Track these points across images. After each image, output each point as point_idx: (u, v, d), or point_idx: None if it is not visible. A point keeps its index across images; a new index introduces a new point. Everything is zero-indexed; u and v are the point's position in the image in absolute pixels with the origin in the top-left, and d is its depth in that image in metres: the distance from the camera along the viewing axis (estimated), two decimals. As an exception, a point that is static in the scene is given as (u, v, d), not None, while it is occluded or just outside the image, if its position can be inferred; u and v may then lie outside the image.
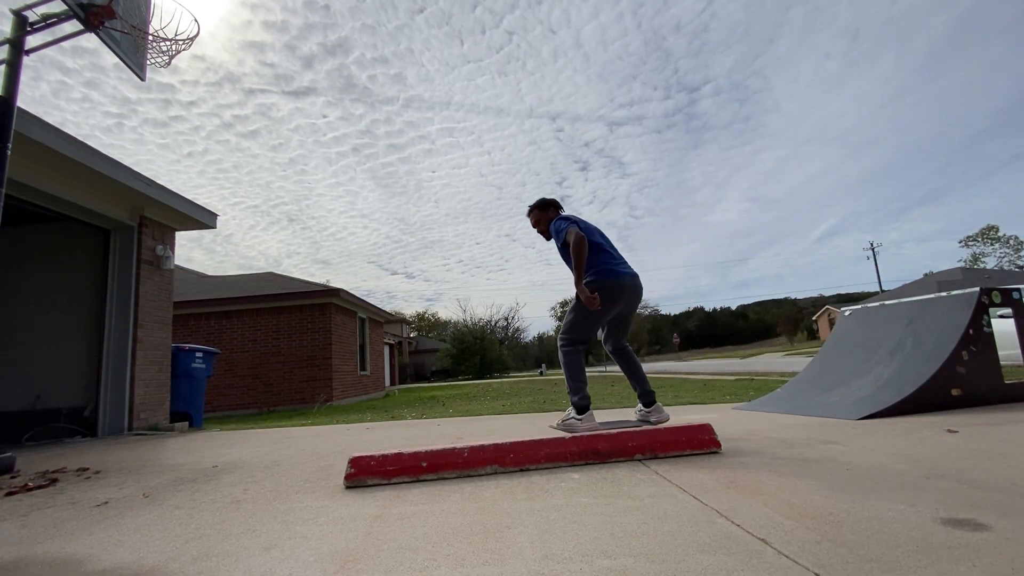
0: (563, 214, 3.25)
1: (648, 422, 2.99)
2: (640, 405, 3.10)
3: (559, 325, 2.81)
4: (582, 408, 2.94)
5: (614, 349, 3.26)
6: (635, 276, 3.07)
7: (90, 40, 3.34)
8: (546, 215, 3.29)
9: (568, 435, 2.54)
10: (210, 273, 18.84)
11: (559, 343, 3.06)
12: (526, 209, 3.39)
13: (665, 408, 3.17)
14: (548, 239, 3.28)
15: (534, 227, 3.33)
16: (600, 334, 3.24)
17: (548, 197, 3.35)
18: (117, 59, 3.53)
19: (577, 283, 2.88)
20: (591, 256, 2.97)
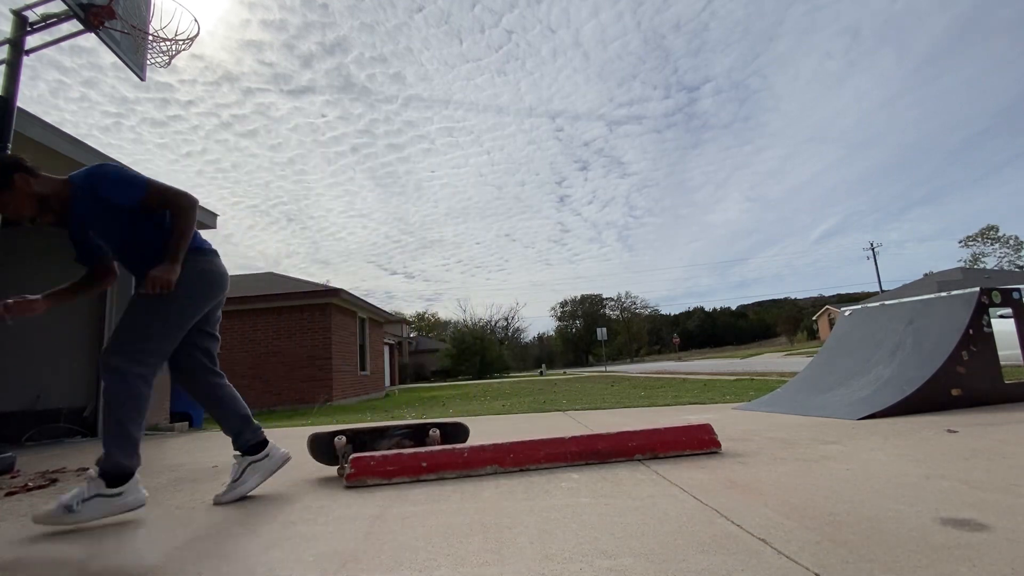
0: (114, 167, 1.99)
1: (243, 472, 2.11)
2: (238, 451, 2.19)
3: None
4: (122, 475, 1.82)
5: (200, 369, 2.16)
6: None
7: (88, 39, 3.35)
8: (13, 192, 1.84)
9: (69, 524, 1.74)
10: None
11: (110, 364, 1.83)
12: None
13: (666, 408, 3.03)
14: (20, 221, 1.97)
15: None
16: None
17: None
18: (116, 59, 3.53)
19: (174, 261, 1.89)
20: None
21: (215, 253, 2.20)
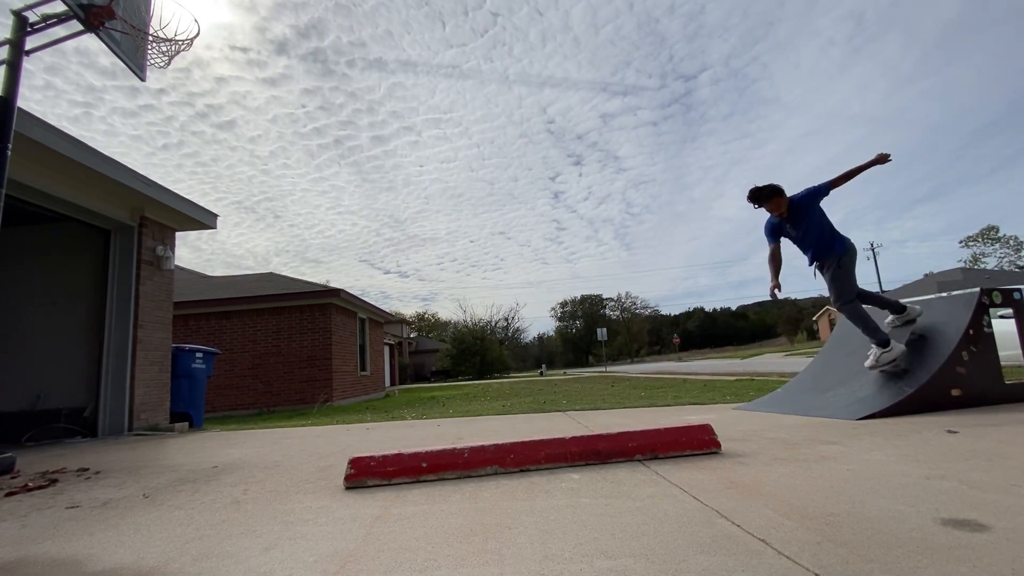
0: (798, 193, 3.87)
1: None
2: (891, 316, 4.07)
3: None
4: (885, 342, 3.66)
5: (859, 297, 3.84)
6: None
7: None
8: (787, 199, 3.81)
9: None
10: (196, 271, 18.85)
11: (843, 302, 3.72)
12: (756, 196, 3.85)
13: (666, 408, 3.25)
14: (784, 217, 3.80)
15: (773, 210, 3.81)
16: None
17: (776, 184, 3.84)
18: (116, 59, 3.53)
19: (831, 247, 3.73)
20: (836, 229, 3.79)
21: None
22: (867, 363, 3.76)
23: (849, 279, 3.71)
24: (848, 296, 3.71)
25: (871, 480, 1.79)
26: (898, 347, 3.67)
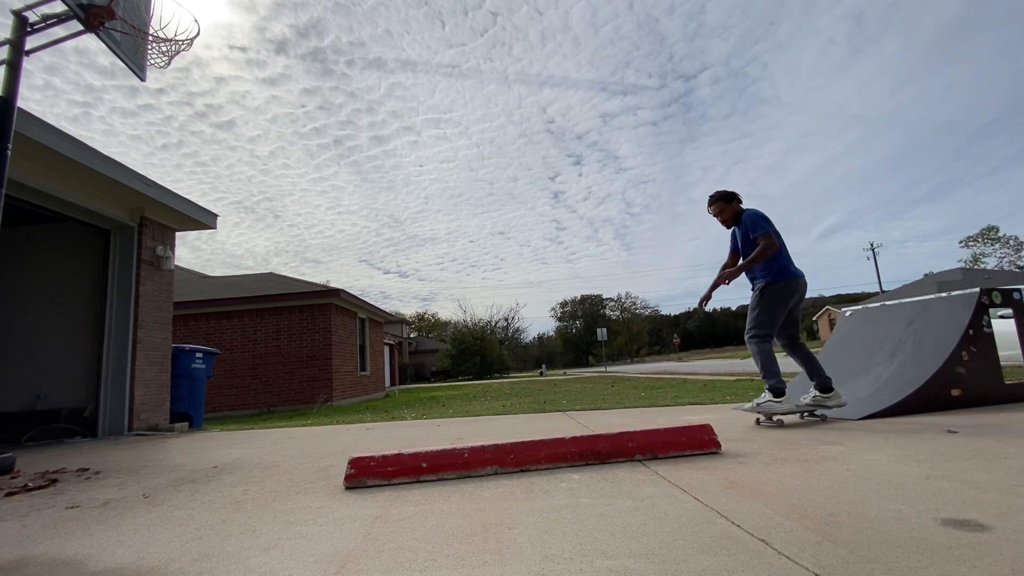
0: (754, 209, 3.57)
1: (824, 407, 3.37)
2: (816, 392, 3.41)
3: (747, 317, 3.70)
4: (779, 391, 3.30)
5: (789, 343, 3.55)
6: (803, 275, 3.48)
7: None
8: (731, 206, 3.65)
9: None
10: (196, 271, 18.85)
11: (751, 335, 3.41)
12: (707, 200, 3.72)
13: (666, 408, 3.23)
14: (728, 226, 3.68)
15: (716, 216, 3.68)
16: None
17: (730, 190, 3.67)
18: (116, 59, 3.53)
19: (747, 267, 3.40)
20: (779, 254, 3.40)
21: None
22: (746, 404, 3.47)
23: (768, 314, 3.37)
24: (761, 331, 3.37)
25: (871, 480, 1.79)
26: (788, 404, 3.31)
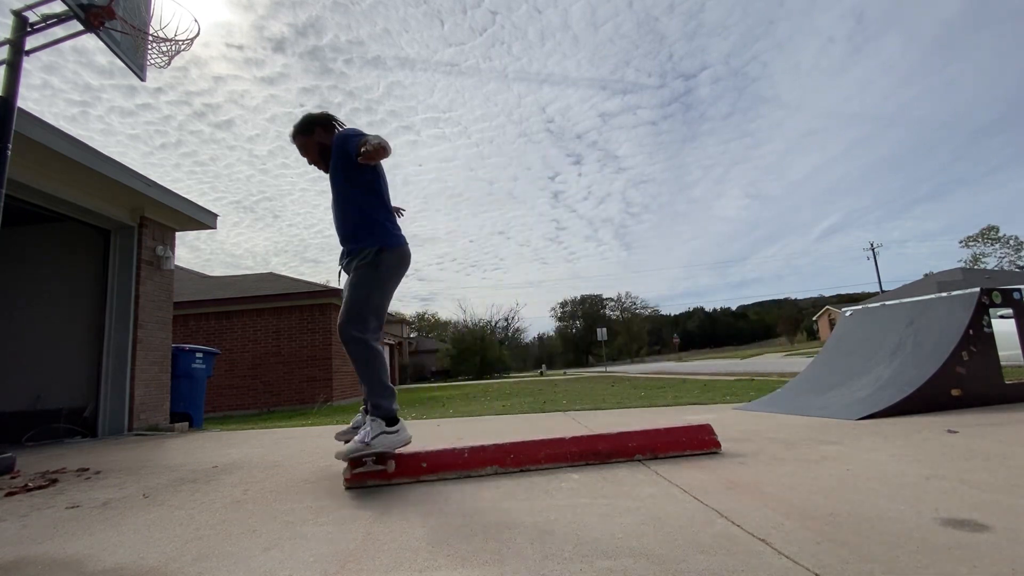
0: (347, 129, 2.44)
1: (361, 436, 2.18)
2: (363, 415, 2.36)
3: (347, 312, 2.21)
4: (391, 418, 2.19)
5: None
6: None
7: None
8: (312, 139, 2.48)
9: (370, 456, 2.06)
10: (196, 271, 18.84)
11: (357, 330, 2.19)
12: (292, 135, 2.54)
13: (666, 408, 3.00)
14: (324, 168, 2.51)
15: (303, 156, 2.54)
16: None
17: (314, 114, 2.50)
18: (114, 58, 3.53)
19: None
20: (384, 211, 2.39)
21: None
22: (343, 448, 2.19)
23: (382, 297, 2.31)
24: (358, 322, 2.21)
25: (871, 480, 1.79)
26: (405, 435, 2.21)
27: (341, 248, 2.42)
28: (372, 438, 2.11)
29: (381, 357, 2.27)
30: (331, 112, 2.52)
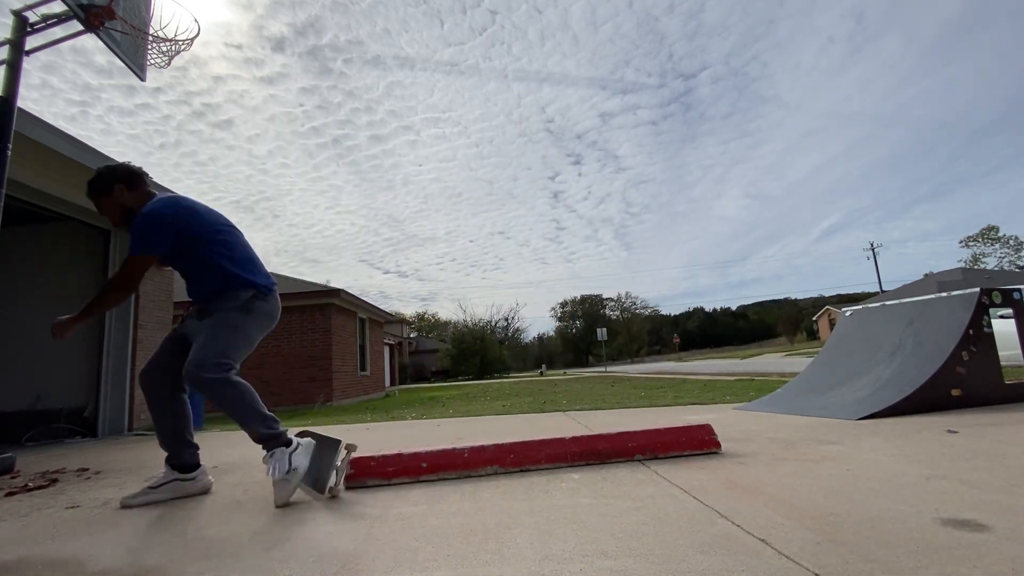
0: (161, 201, 2.14)
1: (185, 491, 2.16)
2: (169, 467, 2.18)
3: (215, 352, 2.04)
4: (190, 465, 2.18)
5: (172, 391, 2.22)
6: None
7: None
8: (113, 199, 2.18)
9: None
10: None
11: (225, 370, 2.04)
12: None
13: (666, 408, 3.01)
14: (123, 226, 2.26)
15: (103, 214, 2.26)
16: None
17: (111, 167, 2.21)
18: (113, 58, 3.53)
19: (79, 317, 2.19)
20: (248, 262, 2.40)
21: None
22: (276, 496, 1.95)
23: (246, 340, 2.23)
24: (221, 362, 2.04)
25: (871, 480, 1.79)
26: (205, 481, 2.22)
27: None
28: (289, 466, 1.98)
29: (252, 400, 2.12)
30: (139, 167, 2.22)
